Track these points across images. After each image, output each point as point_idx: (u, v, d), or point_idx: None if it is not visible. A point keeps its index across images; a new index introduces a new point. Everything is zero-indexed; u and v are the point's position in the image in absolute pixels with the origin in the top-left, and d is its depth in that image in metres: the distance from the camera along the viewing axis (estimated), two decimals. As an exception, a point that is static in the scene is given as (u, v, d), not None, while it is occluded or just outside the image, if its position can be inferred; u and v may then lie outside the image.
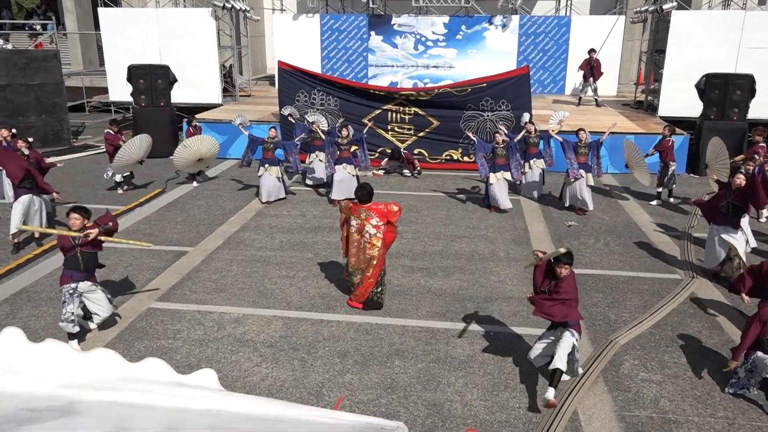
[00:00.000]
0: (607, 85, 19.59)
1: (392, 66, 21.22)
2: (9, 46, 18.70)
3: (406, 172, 14.07)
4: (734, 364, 5.84)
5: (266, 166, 11.75)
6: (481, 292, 8.05)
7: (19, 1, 36.54)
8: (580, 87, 18.66)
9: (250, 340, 6.80)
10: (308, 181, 13.00)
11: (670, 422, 5.49)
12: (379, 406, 5.67)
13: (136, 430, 2.23)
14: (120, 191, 12.45)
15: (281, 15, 21.73)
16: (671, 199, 12.10)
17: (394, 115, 14.35)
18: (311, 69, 16.27)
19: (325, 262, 8.99)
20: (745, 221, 8.52)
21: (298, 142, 12.33)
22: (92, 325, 6.81)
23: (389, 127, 14.40)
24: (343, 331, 7.02)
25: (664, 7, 16.33)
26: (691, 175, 14.30)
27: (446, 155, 14.50)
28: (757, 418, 5.55)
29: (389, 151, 14.19)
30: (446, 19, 20.68)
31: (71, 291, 6.51)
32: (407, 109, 14.24)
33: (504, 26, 20.44)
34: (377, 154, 14.23)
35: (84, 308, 6.70)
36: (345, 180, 11.64)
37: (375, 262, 7.27)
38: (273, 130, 12.07)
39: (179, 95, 16.88)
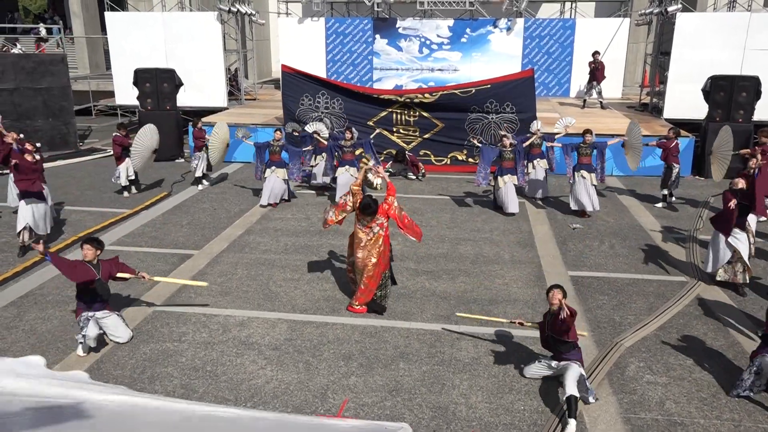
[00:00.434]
0: (612, 88, 19.57)
1: (397, 69, 21.26)
2: (21, 50, 18.82)
3: (411, 175, 14.09)
4: None
5: (273, 168, 11.78)
6: (485, 295, 8.05)
7: (27, 6, 36.77)
8: (585, 90, 18.65)
9: (255, 342, 6.82)
10: (314, 181, 13.01)
11: (675, 424, 5.48)
12: (384, 409, 5.68)
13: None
14: (126, 194, 12.51)
15: (286, 19, 21.81)
16: (672, 198, 12.07)
17: (399, 117, 14.36)
18: (316, 72, 16.31)
19: (330, 265, 9.00)
20: (752, 220, 8.48)
21: (302, 152, 12.26)
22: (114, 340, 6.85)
23: (394, 129, 14.43)
24: (348, 333, 7.03)
25: (669, 9, 16.30)
26: (697, 177, 14.26)
27: (451, 156, 14.51)
28: (764, 420, 5.53)
29: (394, 152, 14.21)
30: (451, 22, 20.71)
31: (88, 318, 6.57)
32: (412, 111, 14.25)
33: (509, 29, 20.45)
34: (382, 156, 14.25)
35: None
36: (349, 182, 11.64)
37: (375, 260, 7.28)
38: (278, 132, 12.09)
39: (185, 99, 16.96)
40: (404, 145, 14.48)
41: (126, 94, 17.91)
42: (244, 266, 8.94)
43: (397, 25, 20.90)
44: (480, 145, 12.21)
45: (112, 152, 13.14)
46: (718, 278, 8.25)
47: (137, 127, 16.31)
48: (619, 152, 14.26)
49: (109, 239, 9.89)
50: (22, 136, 11.35)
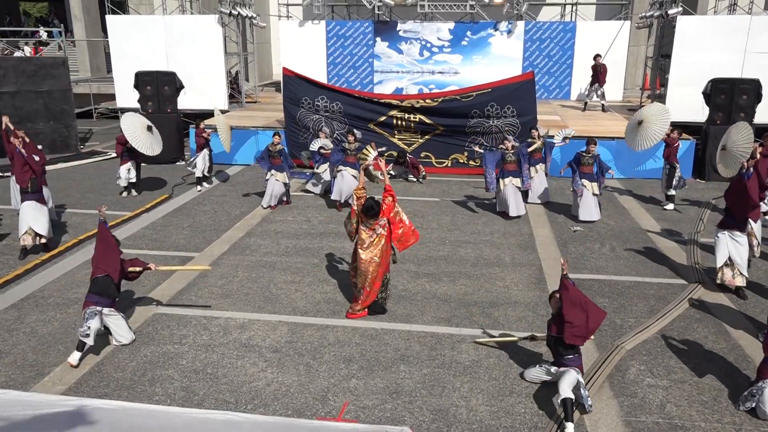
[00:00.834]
0: (613, 91, 19.57)
1: (398, 72, 21.28)
2: (28, 52, 18.85)
3: (412, 177, 14.09)
4: None
5: (273, 171, 11.81)
6: (486, 298, 8.04)
7: (27, 9, 36.85)
8: (586, 92, 18.65)
9: (255, 345, 6.82)
10: (310, 187, 13.02)
11: (676, 428, 5.47)
12: (384, 411, 5.67)
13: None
14: (124, 194, 12.58)
15: (287, 22, 21.83)
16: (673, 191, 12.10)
17: (399, 121, 14.36)
18: (317, 75, 16.36)
19: (331, 268, 9.01)
20: (756, 225, 8.47)
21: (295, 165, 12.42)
22: (116, 342, 6.86)
23: (395, 133, 14.41)
24: (349, 336, 7.03)
25: (670, 12, 16.31)
26: (698, 180, 14.25)
27: (452, 158, 14.51)
28: (764, 424, 5.52)
29: (395, 154, 14.21)
30: (451, 25, 20.74)
31: (95, 312, 6.60)
32: (412, 116, 14.25)
33: (509, 32, 20.47)
34: (384, 158, 14.25)
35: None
36: (347, 182, 11.75)
37: (378, 260, 7.28)
38: (276, 136, 12.10)
39: (186, 102, 16.97)
40: (405, 147, 14.49)
41: (127, 97, 17.91)
42: (244, 269, 8.95)
43: (397, 28, 20.93)
44: (481, 151, 12.20)
45: (114, 153, 13.19)
46: (717, 281, 8.24)
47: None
48: (619, 155, 14.29)
49: (110, 242, 9.91)
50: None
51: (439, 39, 20.83)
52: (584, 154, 11.12)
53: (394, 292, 7.95)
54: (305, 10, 22.43)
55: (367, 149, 12.26)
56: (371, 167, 11.91)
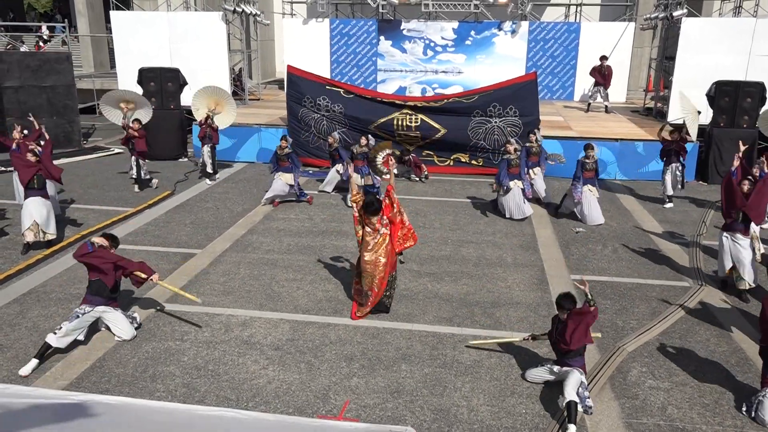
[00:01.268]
0: (617, 92, 19.54)
1: (401, 71, 21.27)
2: (40, 46, 18.85)
3: (414, 176, 14.08)
4: None
5: (280, 173, 11.82)
6: (488, 298, 8.04)
7: (33, 4, 36.88)
8: (590, 93, 18.63)
9: (257, 342, 6.82)
10: (324, 188, 13.02)
11: (677, 430, 5.47)
12: (386, 411, 5.67)
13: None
14: (136, 189, 12.67)
15: (291, 19, 21.82)
16: (669, 189, 12.20)
17: (400, 122, 14.29)
18: (320, 73, 16.31)
19: (333, 266, 9.01)
20: (756, 227, 8.46)
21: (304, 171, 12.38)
22: (117, 338, 6.84)
23: (396, 135, 14.32)
24: (350, 334, 7.03)
25: (674, 14, 16.28)
26: (700, 182, 14.23)
27: (455, 158, 14.49)
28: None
29: (398, 153, 14.19)
30: (455, 24, 20.72)
31: (83, 312, 6.62)
32: (414, 117, 14.21)
33: (513, 32, 20.45)
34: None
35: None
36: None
37: (384, 260, 7.27)
38: (284, 140, 12.10)
39: (189, 98, 16.97)
40: (407, 146, 14.46)
41: (130, 93, 17.91)
42: (246, 266, 8.95)
43: (401, 27, 20.91)
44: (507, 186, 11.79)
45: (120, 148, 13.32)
46: (720, 284, 8.24)
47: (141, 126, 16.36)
48: (622, 156, 14.28)
49: (112, 237, 9.92)
50: (26, 132, 11.41)
51: (442, 38, 20.81)
52: (586, 160, 11.09)
53: (396, 291, 7.94)
54: (309, 8, 22.43)
55: (380, 145, 12.27)
56: (379, 162, 11.93)
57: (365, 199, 7.32)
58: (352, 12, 23.83)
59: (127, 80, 17.58)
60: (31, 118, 11.81)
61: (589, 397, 5.66)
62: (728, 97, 14.01)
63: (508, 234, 10.51)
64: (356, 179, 12.24)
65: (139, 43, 18.09)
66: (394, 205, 7.42)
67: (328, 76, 20.31)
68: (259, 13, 19.46)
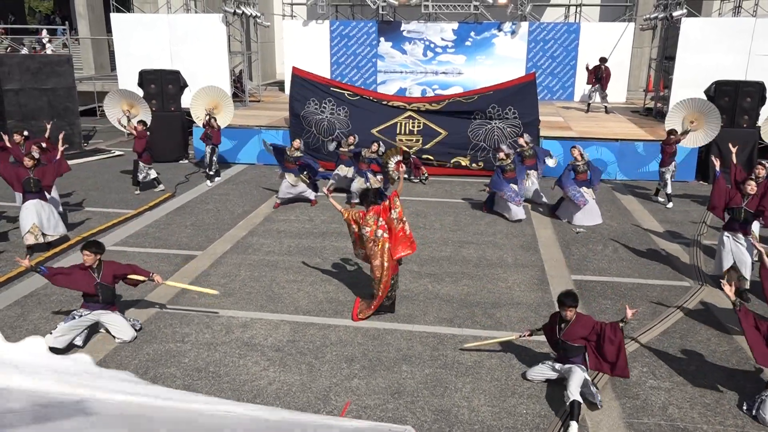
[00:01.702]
0: (617, 92, 19.57)
1: (401, 72, 21.29)
2: (46, 49, 18.87)
3: (414, 178, 14.09)
4: None
5: (285, 174, 11.83)
6: (488, 298, 8.04)
7: (34, 6, 36.93)
8: (589, 94, 18.64)
9: (257, 344, 6.83)
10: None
11: (678, 430, 5.47)
12: (386, 411, 5.68)
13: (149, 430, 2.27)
14: (137, 192, 12.67)
15: (291, 21, 21.85)
16: (669, 188, 12.26)
17: (403, 126, 14.34)
18: (321, 75, 16.34)
19: (333, 267, 9.01)
20: (755, 227, 8.46)
21: (320, 170, 12.30)
22: (117, 340, 6.84)
23: (398, 138, 14.33)
24: (351, 335, 7.03)
25: (674, 14, 16.30)
26: (701, 182, 14.23)
27: (454, 162, 14.50)
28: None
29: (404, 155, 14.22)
30: (455, 25, 20.74)
31: (80, 314, 6.67)
32: (416, 120, 14.26)
33: (513, 33, 20.47)
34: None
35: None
36: (349, 182, 12.08)
37: (387, 264, 7.27)
38: (297, 141, 12.10)
39: (189, 100, 16.99)
40: (407, 148, 14.47)
41: (131, 95, 17.94)
42: (247, 267, 8.96)
43: (401, 28, 20.94)
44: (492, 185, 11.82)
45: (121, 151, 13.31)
46: (722, 283, 8.21)
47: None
48: (622, 156, 14.28)
49: (113, 240, 9.93)
50: (27, 134, 11.42)
51: (442, 39, 20.84)
52: (576, 163, 11.07)
53: (397, 292, 7.94)
54: (309, 10, 22.44)
55: (391, 150, 12.37)
56: (391, 168, 12.02)
57: (361, 192, 7.37)
58: (352, 13, 23.86)
59: (128, 82, 17.61)
60: (48, 125, 12.02)
61: (598, 392, 5.71)
62: (728, 96, 14.02)
63: (509, 234, 10.51)
64: (346, 172, 12.40)
65: (139, 45, 18.13)
66: (392, 209, 7.35)
67: (329, 78, 20.38)
68: (259, 14, 19.50)
